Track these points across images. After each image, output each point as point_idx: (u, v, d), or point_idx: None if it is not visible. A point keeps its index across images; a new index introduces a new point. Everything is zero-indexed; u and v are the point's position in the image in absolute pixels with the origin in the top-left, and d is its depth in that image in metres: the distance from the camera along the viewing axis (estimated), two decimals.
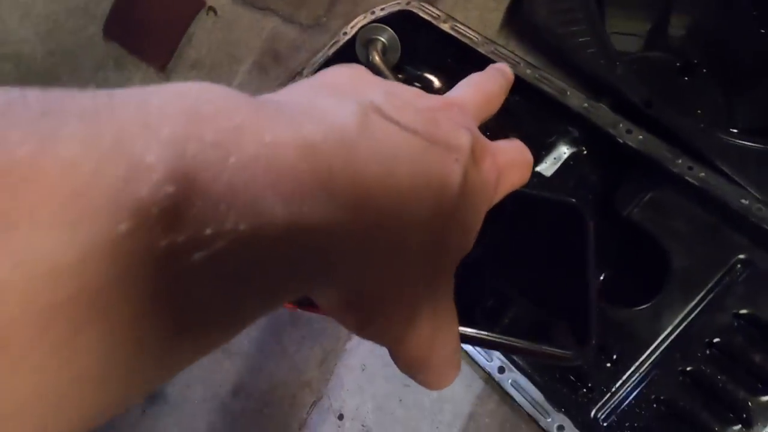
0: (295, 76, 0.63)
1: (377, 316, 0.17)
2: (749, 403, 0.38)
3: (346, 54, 0.62)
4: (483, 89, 0.23)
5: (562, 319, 0.23)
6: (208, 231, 0.12)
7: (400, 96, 0.19)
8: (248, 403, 0.62)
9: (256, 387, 0.62)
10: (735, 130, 0.46)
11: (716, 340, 0.41)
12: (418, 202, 0.16)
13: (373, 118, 0.16)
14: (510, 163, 0.21)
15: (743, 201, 0.41)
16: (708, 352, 0.41)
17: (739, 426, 0.38)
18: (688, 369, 0.41)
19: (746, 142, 0.43)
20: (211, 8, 0.73)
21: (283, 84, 0.64)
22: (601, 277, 0.51)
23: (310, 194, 0.14)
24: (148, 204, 0.11)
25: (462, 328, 0.21)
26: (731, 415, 0.39)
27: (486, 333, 0.21)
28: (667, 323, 0.42)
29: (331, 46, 0.62)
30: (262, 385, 0.61)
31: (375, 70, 0.59)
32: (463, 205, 0.18)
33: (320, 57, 0.62)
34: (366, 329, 0.17)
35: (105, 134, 0.11)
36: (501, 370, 0.43)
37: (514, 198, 0.22)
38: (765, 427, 0.38)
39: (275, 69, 0.69)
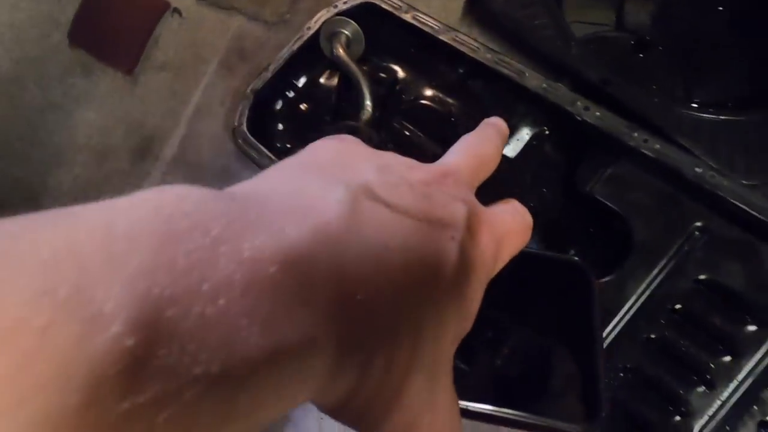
0: (261, 72, 0.63)
1: (364, 401, 0.15)
2: (711, 365, 0.39)
3: (311, 48, 0.62)
4: (476, 153, 0.22)
5: (566, 390, 0.22)
6: (175, 383, 0.10)
7: (393, 171, 0.18)
8: None
9: None
10: (689, 104, 0.47)
11: (678, 306, 0.42)
12: (412, 288, 0.16)
13: (363, 205, 0.15)
14: (508, 231, 0.20)
15: (697, 169, 0.42)
16: (671, 318, 0.42)
17: (703, 388, 0.39)
18: (653, 336, 0.42)
19: (698, 114, 0.44)
20: (176, 10, 0.73)
21: (250, 81, 0.65)
22: (569, 255, 0.52)
23: (291, 311, 0.13)
24: (105, 365, 0.10)
25: (464, 403, 0.20)
26: (695, 378, 0.40)
27: (493, 409, 0.20)
28: (630, 293, 0.43)
29: (296, 41, 0.63)
30: None
31: (340, 63, 0.60)
32: (461, 283, 0.17)
33: (285, 52, 0.63)
34: (347, 411, 0.16)
35: (63, 279, 0.10)
36: None
37: (514, 257, 0.21)
38: (727, 386, 0.39)
39: (242, 67, 0.69)
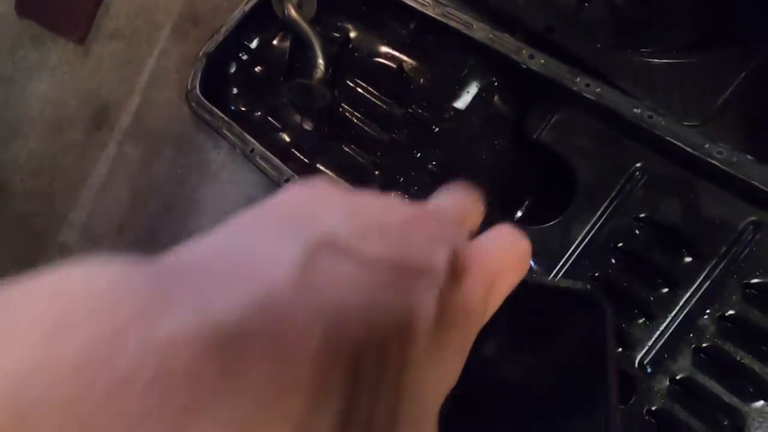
0: (213, 34, 0.62)
1: None
2: (651, 298, 0.41)
3: (263, 10, 0.61)
4: (464, 195, 0.20)
5: (574, 429, 0.20)
6: None
7: (366, 215, 0.16)
8: None
9: None
10: (630, 50, 0.48)
11: (620, 244, 0.43)
12: (378, 349, 0.14)
13: (321, 261, 0.14)
14: (501, 267, 0.18)
15: (635, 110, 0.43)
16: (614, 256, 0.43)
17: (643, 319, 0.41)
18: (597, 274, 0.43)
19: (637, 58, 0.45)
20: None
21: (203, 46, 0.64)
22: (525, 204, 0.53)
23: (215, 402, 0.11)
24: None
25: None
26: (636, 311, 0.41)
27: None
28: (576, 235, 0.44)
29: (248, 2, 0.62)
30: None
31: (292, 24, 0.59)
32: (442, 337, 0.15)
33: (237, 14, 0.62)
34: None
35: None
36: None
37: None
38: (665, 317, 0.40)
39: (195, 31, 0.68)
